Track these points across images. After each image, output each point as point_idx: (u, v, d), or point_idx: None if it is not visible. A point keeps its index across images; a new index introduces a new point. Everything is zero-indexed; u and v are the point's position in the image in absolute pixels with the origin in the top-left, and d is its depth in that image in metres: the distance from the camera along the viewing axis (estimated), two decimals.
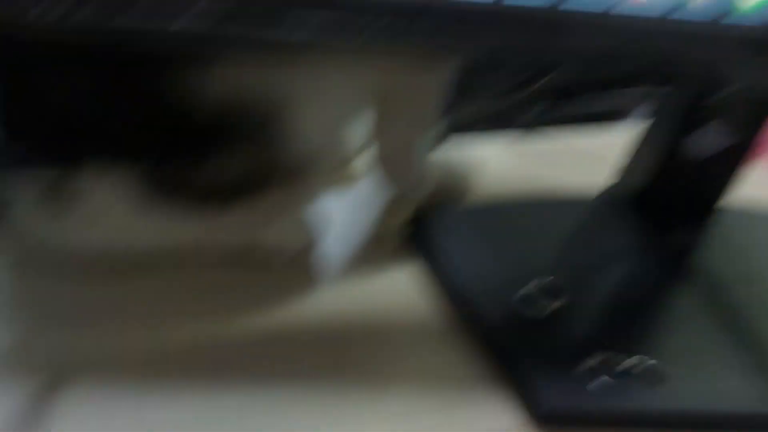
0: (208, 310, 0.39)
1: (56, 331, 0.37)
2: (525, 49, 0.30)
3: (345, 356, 0.37)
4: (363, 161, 0.56)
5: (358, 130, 0.46)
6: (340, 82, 0.40)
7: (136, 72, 0.36)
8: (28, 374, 0.34)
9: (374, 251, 0.48)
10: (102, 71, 0.36)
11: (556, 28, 0.29)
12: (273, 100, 0.38)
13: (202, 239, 0.41)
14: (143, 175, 0.38)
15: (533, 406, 0.35)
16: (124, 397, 0.33)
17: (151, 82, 0.36)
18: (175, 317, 0.39)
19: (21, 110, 0.37)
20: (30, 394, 0.32)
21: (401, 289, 0.43)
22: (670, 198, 0.49)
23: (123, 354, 0.36)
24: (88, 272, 0.39)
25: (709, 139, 0.49)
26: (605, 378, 0.35)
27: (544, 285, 0.42)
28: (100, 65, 0.36)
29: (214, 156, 0.38)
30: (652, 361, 0.36)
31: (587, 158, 0.64)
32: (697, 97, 0.46)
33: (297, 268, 0.44)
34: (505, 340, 0.38)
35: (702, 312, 0.41)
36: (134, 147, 0.37)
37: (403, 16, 0.28)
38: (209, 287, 0.41)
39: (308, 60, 0.37)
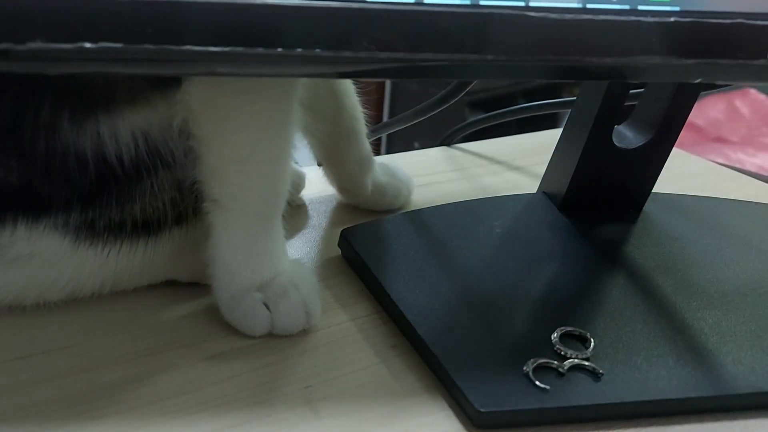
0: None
1: None
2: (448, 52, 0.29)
3: (280, 373, 0.37)
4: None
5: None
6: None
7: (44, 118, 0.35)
8: None
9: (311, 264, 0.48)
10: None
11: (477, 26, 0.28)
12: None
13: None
14: (71, 222, 0.37)
15: (471, 413, 0.35)
16: None
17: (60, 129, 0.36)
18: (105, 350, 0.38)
19: None
20: None
21: (337, 303, 0.43)
22: (594, 194, 0.50)
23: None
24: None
25: (629, 135, 0.50)
26: (542, 380, 0.36)
27: (475, 289, 0.42)
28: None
29: (136, 192, 0.38)
30: (586, 360, 0.37)
31: (515, 162, 0.65)
32: (615, 94, 0.47)
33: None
34: (439, 347, 0.38)
35: (630, 305, 0.42)
36: (55, 198, 0.37)
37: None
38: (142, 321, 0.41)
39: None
